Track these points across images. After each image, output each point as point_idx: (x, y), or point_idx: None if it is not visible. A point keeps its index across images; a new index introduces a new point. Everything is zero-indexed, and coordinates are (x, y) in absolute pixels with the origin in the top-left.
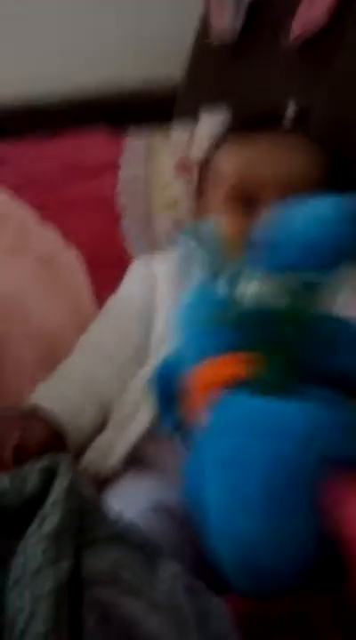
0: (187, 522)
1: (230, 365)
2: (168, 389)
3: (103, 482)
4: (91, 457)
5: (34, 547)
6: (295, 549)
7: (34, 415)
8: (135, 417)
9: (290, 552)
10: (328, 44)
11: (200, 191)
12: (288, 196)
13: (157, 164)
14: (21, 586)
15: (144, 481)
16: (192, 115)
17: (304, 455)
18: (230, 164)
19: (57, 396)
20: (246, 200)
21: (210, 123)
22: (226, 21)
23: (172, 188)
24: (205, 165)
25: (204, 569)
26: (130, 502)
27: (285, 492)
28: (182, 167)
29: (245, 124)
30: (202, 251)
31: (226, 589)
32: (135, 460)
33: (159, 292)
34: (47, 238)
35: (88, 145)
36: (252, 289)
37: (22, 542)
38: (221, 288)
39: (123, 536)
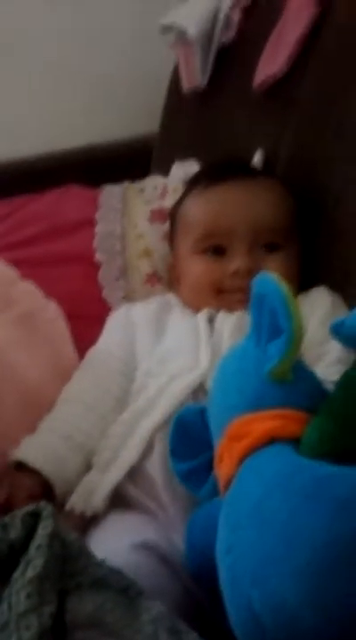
0: (171, 559)
1: (270, 419)
2: (185, 438)
3: (88, 523)
4: (75, 499)
5: (18, 592)
6: (335, 617)
7: (20, 470)
8: (117, 460)
9: (331, 621)
10: (292, 90)
11: (171, 240)
12: (257, 242)
13: (132, 217)
14: (8, 631)
15: (127, 520)
16: (168, 167)
17: (346, 524)
18: (198, 213)
19: (42, 449)
20: (215, 248)
21: (181, 173)
22: (195, 74)
23: (146, 238)
24: (174, 214)
25: (189, 606)
26: (113, 541)
27: (328, 559)
28: (157, 215)
29: (212, 172)
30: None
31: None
32: (119, 501)
33: (139, 342)
34: (27, 294)
35: (64, 202)
36: None
37: (7, 588)
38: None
39: (106, 580)
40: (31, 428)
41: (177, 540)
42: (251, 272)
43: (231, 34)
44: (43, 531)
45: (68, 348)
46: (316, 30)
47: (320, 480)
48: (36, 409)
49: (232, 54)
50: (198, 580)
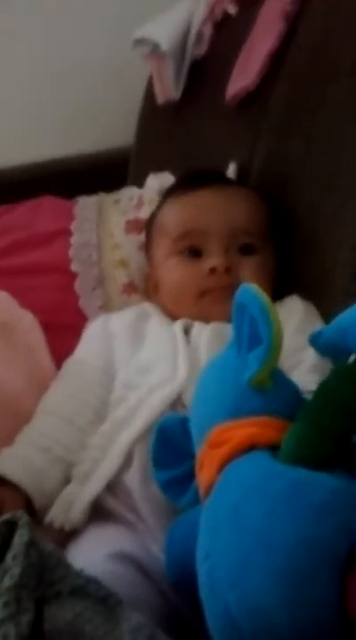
0: (149, 570)
1: (249, 427)
2: (166, 447)
3: (68, 535)
4: (54, 511)
5: None
6: (310, 619)
7: None
8: (96, 472)
9: (308, 623)
10: (263, 102)
11: (147, 250)
12: (233, 243)
13: (108, 227)
14: None
15: (105, 531)
16: (143, 179)
17: (322, 528)
18: (174, 216)
19: (20, 462)
20: (191, 249)
21: (155, 184)
22: (168, 87)
23: (122, 248)
24: (150, 223)
25: (168, 616)
26: (90, 551)
27: (303, 561)
28: (133, 225)
29: (189, 180)
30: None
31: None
32: (98, 513)
33: (117, 352)
34: (2, 304)
35: (39, 213)
36: None
37: None
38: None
39: (85, 589)
40: (8, 439)
41: (156, 551)
42: (228, 270)
43: (203, 48)
44: (19, 540)
45: (45, 358)
46: (285, 45)
47: (297, 485)
48: (12, 419)
49: (205, 68)
50: (179, 588)
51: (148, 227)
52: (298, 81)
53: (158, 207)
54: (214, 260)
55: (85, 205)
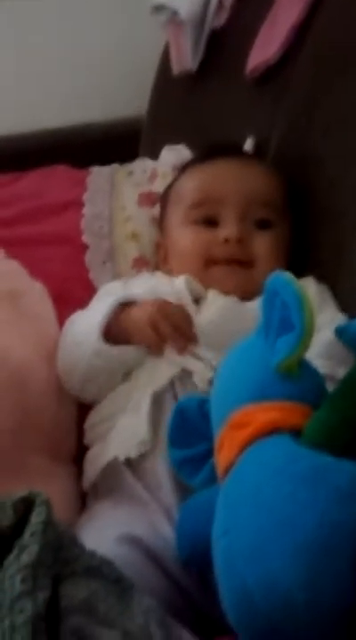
0: (158, 554)
1: (274, 410)
2: (183, 427)
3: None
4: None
5: (12, 576)
6: (326, 599)
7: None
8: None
9: (324, 604)
10: (285, 76)
11: (161, 221)
12: (249, 215)
13: (120, 200)
14: (1, 613)
15: (117, 512)
16: (156, 150)
17: (343, 511)
18: (191, 183)
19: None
20: (206, 218)
21: (170, 157)
22: (185, 56)
23: (134, 221)
24: (166, 194)
25: (176, 600)
26: (100, 532)
27: (322, 543)
28: (145, 198)
29: (206, 152)
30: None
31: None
32: (113, 491)
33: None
34: (12, 273)
35: (52, 182)
36: None
37: (0, 572)
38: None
39: (99, 570)
40: (15, 409)
41: (169, 533)
42: (242, 242)
43: (223, 18)
44: (37, 518)
45: (54, 329)
46: (310, 15)
47: (319, 468)
48: (19, 387)
49: (224, 39)
50: (189, 567)
51: (164, 197)
52: (323, 54)
53: (176, 178)
54: (228, 229)
55: (99, 176)
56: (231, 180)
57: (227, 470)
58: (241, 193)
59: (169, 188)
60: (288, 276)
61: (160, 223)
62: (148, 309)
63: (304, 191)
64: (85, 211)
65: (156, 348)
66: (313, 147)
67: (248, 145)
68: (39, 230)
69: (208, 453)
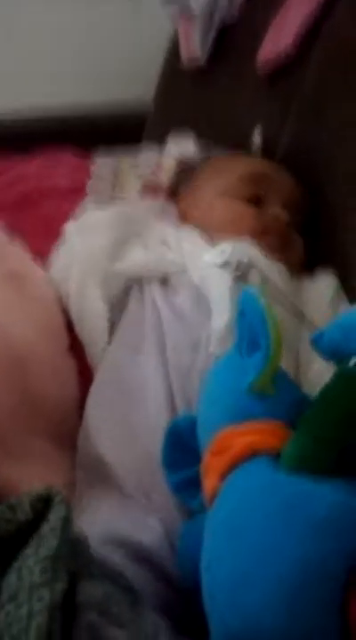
0: (144, 554)
1: (250, 434)
2: (178, 448)
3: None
4: None
5: (31, 567)
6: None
7: None
8: None
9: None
10: (297, 71)
11: (184, 184)
12: (289, 210)
13: (123, 190)
14: (18, 602)
15: (102, 506)
16: (162, 137)
17: (319, 546)
18: (245, 160)
19: None
20: (254, 196)
21: (177, 148)
22: (194, 48)
23: None
24: (196, 167)
25: (164, 602)
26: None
27: (300, 579)
28: (149, 190)
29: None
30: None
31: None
32: (104, 482)
33: None
34: (17, 256)
35: (56, 167)
36: None
37: (17, 562)
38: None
39: (113, 577)
40: (15, 389)
41: (157, 526)
42: (289, 226)
43: (234, 13)
44: (55, 515)
45: (57, 313)
46: (325, 10)
47: (294, 498)
48: (20, 369)
49: (235, 33)
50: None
51: (191, 171)
52: (336, 51)
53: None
54: (278, 210)
55: (104, 166)
56: (281, 173)
57: (212, 498)
58: (289, 187)
59: (196, 165)
60: (254, 293)
61: (179, 190)
62: None
63: (314, 188)
64: (88, 199)
65: None
66: (324, 144)
67: (256, 135)
68: (44, 214)
69: None
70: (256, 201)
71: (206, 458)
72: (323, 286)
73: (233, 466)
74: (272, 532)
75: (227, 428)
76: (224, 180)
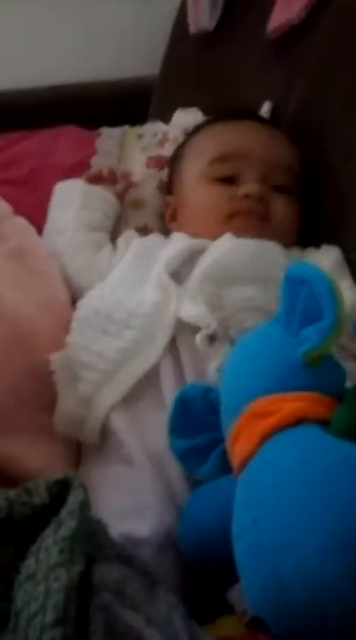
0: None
1: (299, 400)
2: (185, 416)
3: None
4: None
5: (49, 548)
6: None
7: None
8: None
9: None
10: (306, 40)
11: (170, 182)
12: (269, 178)
13: (129, 163)
14: (35, 581)
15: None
16: (168, 110)
17: None
18: (214, 138)
19: None
20: (226, 177)
21: (183, 121)
22: (203, 15)
23: (139, 187)
24: (180, 148)
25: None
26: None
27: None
28: (154, 161)
29: (229, 113)
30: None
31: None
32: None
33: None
34: (20, 230)
35: (61, 142)
36: None
37: (35, 545)
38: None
39: (129, 560)
40: (20, 365)
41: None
42: (262, 200)
43: None
44: (74, 498)
45: (60, 289)
46: None
47: (352, 457)
48: (24, 345)
49: (243, 1)
50: (195, 560)
51: (176, 154)
52: (347, 17)
53: (191, 135)
54: (249, 186)
55: (108, 139)
56: (257, 142)
57: (244, 462)
58: (266, 155)
59: (183, 145)
60: (315, 265)
61: (169, 182)
62: None
63: (320, 158)
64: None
65: None
66: (332, 114)
67: (265, 110)
68: (48, 189)
69: (213, 444)
70: (230, 181)
71: (240, 422)
72: (323, 256)
73: (276, 430)
74: (329, 489)
75: (269, 394)
76: (197, 167)
